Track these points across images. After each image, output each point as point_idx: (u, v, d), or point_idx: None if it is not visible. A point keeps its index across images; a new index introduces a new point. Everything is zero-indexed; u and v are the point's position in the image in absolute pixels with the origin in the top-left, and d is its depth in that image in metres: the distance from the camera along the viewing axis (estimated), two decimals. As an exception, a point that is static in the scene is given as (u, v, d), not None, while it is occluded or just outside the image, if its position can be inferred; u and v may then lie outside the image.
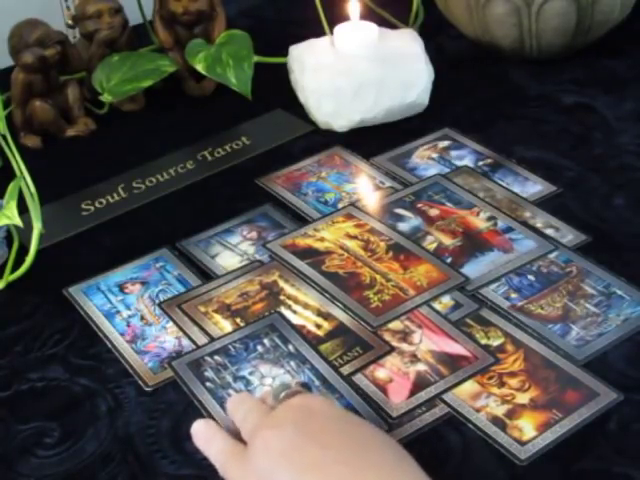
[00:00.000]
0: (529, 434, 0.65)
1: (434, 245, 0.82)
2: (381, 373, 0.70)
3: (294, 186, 0.92)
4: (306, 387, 0.68)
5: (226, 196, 0.92)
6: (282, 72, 1.04)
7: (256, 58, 1.05)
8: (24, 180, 0.82)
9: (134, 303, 0.79)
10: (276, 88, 1.04)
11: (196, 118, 1.06)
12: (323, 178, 0.93)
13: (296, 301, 0.77)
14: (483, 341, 0.72)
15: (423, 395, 0.68)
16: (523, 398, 0.67)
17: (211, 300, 0.78)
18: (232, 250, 0.84)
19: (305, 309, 0.77)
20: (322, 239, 0.84)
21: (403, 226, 0.85)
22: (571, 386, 0.68)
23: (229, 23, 1.08)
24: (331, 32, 1.01)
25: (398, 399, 0.68)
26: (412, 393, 0.68)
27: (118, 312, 0.79)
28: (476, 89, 1.05)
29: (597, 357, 0.70)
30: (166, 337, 0.76)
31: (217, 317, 0.77)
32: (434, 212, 0.86)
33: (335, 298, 0.77)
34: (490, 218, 0.85)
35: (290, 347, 0.73)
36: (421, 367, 0.70)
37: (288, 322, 0.75)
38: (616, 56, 1.08)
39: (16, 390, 0.73)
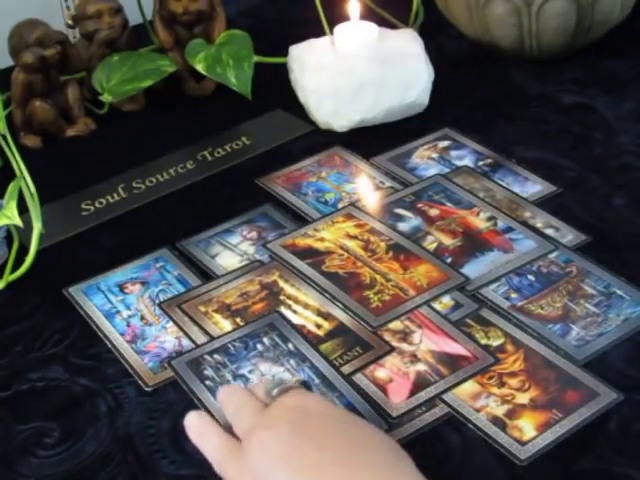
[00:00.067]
0: (529, 434, 0.65)
1: (434, 245, 0.82)
2: (381, 373, 0.70)
3: (294, 186, 0.92)
4: (306, 385, 0.68)
5: (226, 196, 0.92)
6: (282, 72, 1.04)
7: (256, 58, 1.05)
8: (24, 180, 0.82)
9: (134, 303, 0.79)
10: (276, 88, 1.04)
11: (196, 118, 1.06)
12: (323, 178, 0.93)
13: (296, 301, 0.77)
14: (483, 341, 0.72)
15: (423, 395, 0.68)
16: (523, 398, 0.67)
17: (211, 300, 0.78)
18: (232, 250, 0.84)
19: (305, 309, 0.77)
20: (322, 239, 0.84)
21: (403, 226, 0.85)
22: (571, 386, 0.68)
23: (229, 23, 1.08)
24: (331, 32, 1.01)
25: (398, 399, 0.68)
26: (412, 393, 0.68)
27: (118, 312, 0.79)
28: (476, 89, 1.05)
29: (597, 357, 0.70)
30: (166, 337, 0.76)
31: (217, 317, 0.77)
32: (434, 212, 0.86)
33: (335, 298, 0.77)
34: (490, 218, 0.85)
35: (290, 346, 0.73)
36: (421, 367, 0.70)
37: (288, 321, 0.75)
38: (616, 56, 1.08)
39: (16, 390, 0.73)
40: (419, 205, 0.87)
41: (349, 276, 0.79)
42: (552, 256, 0.80)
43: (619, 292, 0.75)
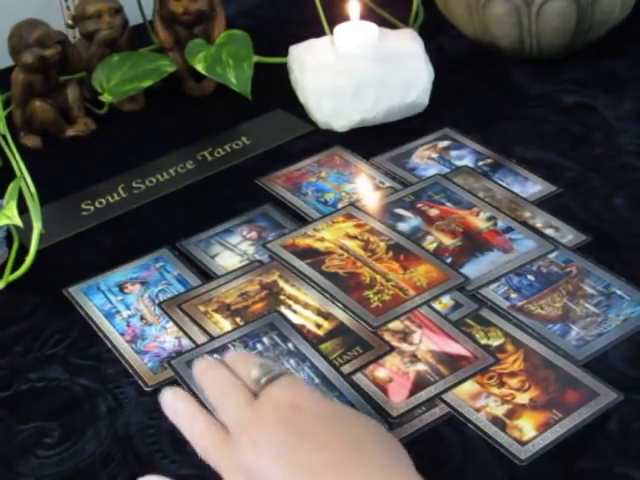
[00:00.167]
0: (529, 434, 0.65)
1: (434, 245, 0.82)
2: (381, 373, 0.70)
3: (294, 186, 0.92)
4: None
5: (226, 196, 0.92)
6: (282, 72, 1.04)
7: (256, 58, 1.05)
8: (24, 180, 0.82)
9: (134, 303, 0.79)
10: (276, 88, 1.04)
11: (196, 118, 1.06)
12: (323, 178, 0.93)
13: (296, 301, 0.77)
14: (483, 341, 0.72)
15: (423, 395, 0.68)
16: (523, 398, 0.67)
17: (211, 300, 0.78)
18: (232, 250, 0.84)
19: (305, 309, 0.77)
20: (322, 239, 0.84)
21: (403, 226, 0.85)
22: (571, 386, 0.68)
23: (229, 23, 1.08)
24: (331, 32, 1.01)
25: (398, 399, 0.68)
26: (412, 393, 0.68)
27: (118, 312, 0.79)
28: (476, 89, 1.05)
29: (597, 357, 0.70)
30: (166, 337, 0.76)
31: (217, 317, 0.77)
32: (434, 212, 0.86)
33: (335, 298, 0.77)
34: (490, 218, 0.85)
35: (290, 345, 0.73)
36: (421, 367, 0.70)
37: (288, 321, 0.75)
38: (616, 56, 1.08)
39: (16, 390, 0.73)
40: (419, 205, 0.87)
41: (349, 276, 0.79)
42: (552, 256, 0.80)
43: (619, 292, 0.75)
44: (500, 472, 0.63)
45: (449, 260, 0.80)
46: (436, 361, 0.71)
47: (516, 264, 0.79)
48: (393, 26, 1.11)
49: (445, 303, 0.76)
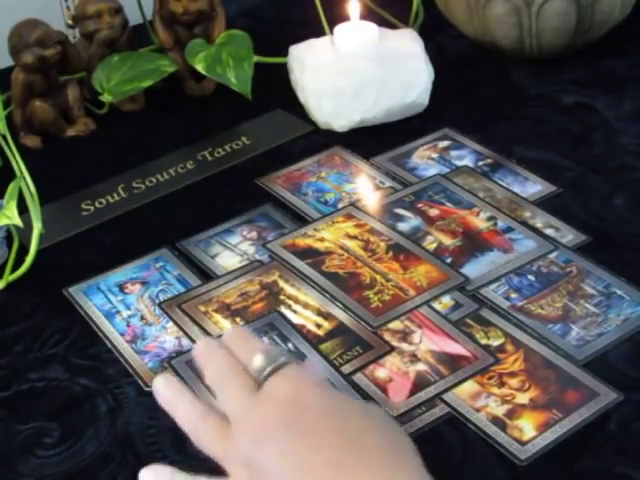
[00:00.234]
0: (529, 434, 0.65)
1: (434, 245, 0.82)
2: (381, 373, 0.70)
3: (294, 186, 0.92)
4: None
5: (226, 196, 0.92)
6: (282, 72, 1.04)
7: (256, 58, 1.05)
8: (24, 180, 0.82)
9: (134, 303, 0.79)
10: (276, 88, 1.04)
11: (196, 118, 1.06)
12: (323, 178, 0.93)
13: (296, 301, 0.77)
14: (483, 341, 0.72)
15: (423, 395, 0.68)
16: (523, 398, 0.67)
17: (211, 300, 0.78)
18: (232, 250, 0.84)
19: (305, 309, 0.77)
20: (322, 239, 0.84)
21: (403, 226, 0.85)
22: (571, 386, 0.68)
23: (229, 23, 1.08)
24: (331, 32, 1.01)
25: (398, 399, 0.68)
26: (412, 393, 0.68)
27: (118, 312, 0.79)
28: (476, 89, 1.05)
29: (597, 357, 0.70)
30: (166, 337, 0.76)
31: (217, 317, 0.77)
32: (434, 212, 0.86)
33: (335, 298, 0.77)
34: (490, 218, 0.85)
35: (290, 345, 0.73)
36: (421, 367, 0.70)
37: (288, 321, 0.75)
38: (616, 56, 1.08)
39: (16, 390, 0.73)
40: (419, 205, 0.87)
41: (349, 276, 0.79)
42: (552, 256, 0.80)
43: (619, 292, 0.75)
44: (500, 472, 0.63)
45: (449, 260, 0.80)
46: (436, 361, 0.71)
47: (516, 264, 0.79)
48: (393, 26, 1.11)
49: (445, 303, 0.76)
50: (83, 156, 1.01)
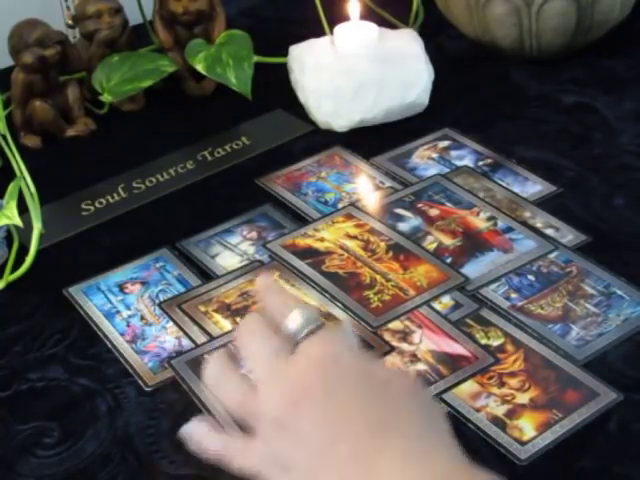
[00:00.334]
0: (529, 434, 0.65)
1: (434, 245, 0.82)
2: (381, 373, 0.70)
3: (294, 186, 0.92)
4: None
5: (226, 196, 0.92)
6: (282, 72, 1.04)
7: (256, 58, 1.05)
8: (24, 180, 0.82)
9: (134, 303, 0.79)
10: (276, 88, 1.04)
11: (196, 118, 1.06)
12: (323, 178, 0.93)
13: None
14: (483, 341, 0.72)
15: (423, 395, 0.68)
16: (523, 398, 0.67)
17: (211, 300, 0.78)
18: (232, 250, 0.84)
19: (305, 309, 0.76)
20: (322, 239, 0.84)
21: (403, 226, 0.85)
22: (571, 386, 0.68)
23: (229, 23, 1.08)
24: (331, 32, 1.01)
25: (398, 399, 0.68)
26: (412, 393, 0.68)
27: (118, 312, 0.79)
28: (476, 89, 1.05)
29: (597, 357, 0.70)
30: (166, 337, 0.76)
31: (217, 317, 0.77)
32: (434, 212, 0.86)
33: (335, 298, 0.77)
34: (490, 218, 0.85)
35: (290, 347, 0.73)
36: (421, 367, 0.70)
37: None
38: (616, 56, 1.08)
39: (16, 390, 0.73)
40: (419, 205, 0.87)
41: (349, 276, 0.79)
42: (552, 256, 0.80)
43: (619, 292, 0.75)
44: (500, 472, 0.63)
45: (449, 260, 0.80)
46: (436, 361, 0.71)
47: (516, 264, 0.79)
48: (393, 26, 1.11)
49: (445, 303, 0.76)
50: (83, 156, 1.01)
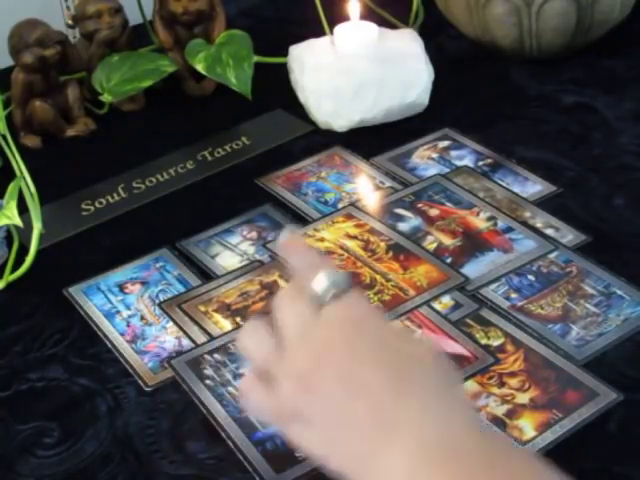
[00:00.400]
0: (529, 434, 0.65)
1: (434, 245, 0.82)
2: (381, 373, 0.70)
3: (294, 186, 0.92)
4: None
5: (226, 196, 0.92)
6: (282, 72, 1.04)
7: (256, 58, 1.05)
8: (24, 180, 0.82)
9: (134, 303, 0.79)
10: (276, 88, 1.04)
11: (196, 118, 1.06)
12: (323, 178, 0.93)
13: (296, 301, 0.77)
14: (483, 341, 0.72)
15: (423, 395, 0.68)
16: (523, 398, 0.67)
17: (211, 300, 0.78)
18: (232, 250, 0.84)
19: (305, 309, 0.76)
20: (322, 239, 0.84)
21: (403, 226, 0.85)
22: (571, 386, 0.68)
23: (229, 23, 1.08)
24: (331, 32, 1.01)
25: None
26: (412, 393, 0.68)
27: (118, 312, 0.79)
28: (476, 89, 1.05)
29: (597, 357, 0.70)
30: (166, 337, 0.76)
31: (217, 317, 0.77)
32: (434, 212, 0.86)
33: (335, 298, 0.77)
34: (490, 218, 0.85)
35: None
36: (421, 367, 0.70)
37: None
38: (616, 56, 1.08)
39: (16, 390, 0.73)
40: (419, 205, 0.87)
41: (349, 276, 0.79)
42: (552, 256, 0.80)
43: (619, 292, 0.75)
44: (500, 472, 0.63)
45: (449, 260, 0.80)
46: (436, 361, 0.71)
47: (516, 264, 0.79)
48: (393, 26, 1.11)
49: (445, 303, 0.76)
50: (83, 156, 1.01)
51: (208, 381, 0.70)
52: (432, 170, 0.92)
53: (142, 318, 0.78)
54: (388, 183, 0.91)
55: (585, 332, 0.72)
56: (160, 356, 0.74)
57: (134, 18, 1.11)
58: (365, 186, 0.91)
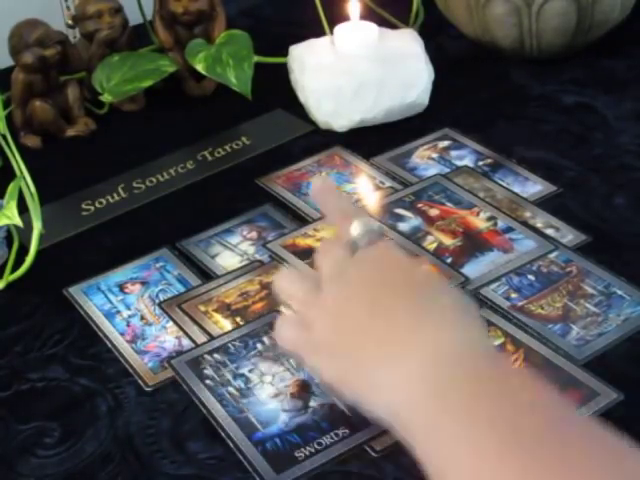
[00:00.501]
0: (529, 434, 0.65)
1: (434, 245, 0.82)
2: (381, 373, 0.70)
3: (294, 186, 0.92)
4: (306, 384, 0.68)
5: (226, 196, 0.92)
6: (282, 72, 1.04)
7: (256, 58, 1.05)
8: (24, 180, 0.82)
9: (134, 303, 0.79)
10: (276, 88, 1.04)
11: (196, 118, 1.06)
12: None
13: (296, 301, 0.77)
14: (483, 341, 0.72)
15: (423, 395, 0.68)
16: (523, 398, 0.67)
17: (211, 300, 0.78)
18: (232, 250, 0.84)
19: (305, 309, 0.76)
20: (322, 239, 0.84)
21: (403, 226, 0.85)
22: (571, 386, 0.68)
23: (229, 23, 1.08)
24: (331, 32, 1.01)
25: (398, 399, 0.68)
26: (412, 393, 0.68)
27: (118, 312, 0.79)
28: (476, 89, 1.05)
29: (597, 357, 0.70)
30: (166, 337, 0.76)
31: (217, 316, 0.77)
32: (434, 212, 0.86)
33: (335, 298, 0.77)
34: (490, 218, 0.85)
35: (290, 347, 0.73)
36: (421, 367, 0.70)
37: (288, 322, 0.75)
38: (616, 56, 1.08)
39: (16, 390, 0.73)
40: (419, 205, 0.87)
41: (349, 276, 0.79)
42: (552, 256, 0.80)
43: (619, 292, 0.75)
44: (500, 472, 0.63)
45: (449, 260, 0.80)
46: (436, 361, 0.71)
47: (516, 264, 0.79)
48: (393, 26, 1.11)
49: (445, 303, 0.76)
50: (83, 156, 1.01)
51: (208, 381, 0.70)
52: (432, 170, 0.92)
53: (142, 318, 0.78)
54: (388, 183, 0.91)
55: (585, 332, 0.72)
56: (160, 356, 0.74)
57: (134, 18, 1.11)
58: (365, 186, 0.91)
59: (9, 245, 0.86)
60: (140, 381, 0.72)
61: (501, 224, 0.84)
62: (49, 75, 1.01)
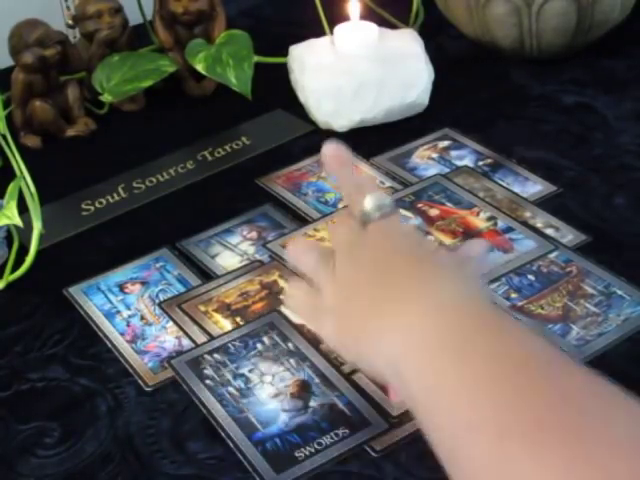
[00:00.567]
0: (529, 434, 0.65)
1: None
2: (381, 373, 0.70)
3: (294, 186, 0.92)
4: (306, 384, 0.68)
5: (226, 196, 0.92)
6: (282, 72, 1.04)
7: (256, 58, 1.05)
8: (24, 180, 0.82)
9: (134, 303, 0.79)
10: (276, 88, 1.04)
11: (196, 118, 1.06)
12: (323, 178, 0.93)
13: (296, 301, 0.77)
14: (483, 341, 0.72)
15: (423, 395, 0.68)
16: (523, 398, 0.67)
17: (211, 300, 0.78)
18: (232, 250, 0.84)
19: (305, 309, 0.76)
20: (322, 239, 0.84)
21: (403, 226, 0.85)
22: (571, 386, 0.68)
23: (229, 23, 1.08)
24: (331, 32, 1.01)
25: (398, 398, 0.68)
26: (412, 393, 0.68)
27: (118, 312, 0.79)
28: (476, 89, 1.05)
29: (597, 357, 0.70)
30: (166, 337, 0.76)
31: (217, 316, 0.77)
32: (434, 212, 0.86)
33: (335, 298, 0.77)
34: (490, 218, 0.85)
35: (290, 345, 0.73)
36: (421, 367, 0.70)
37: (288, 320, 0.75)
38: (616, 56, 1.08)
39: (16, 390, 0.73)
40: (419, 205, 0.87)
41: (349, 276, 0.79)
42: (552, 256, 0.80)
43: (619, 292, 0.75)
44: (500, 472, 0.63)
45: (449, 260, 0.80)
46: (436, 361, 0.71)
47: (516, 264, 0.79)
48: (393, 26, 1.11)
49: (445, 303, 0.76)
50: (83, 156, 1.01)
51: (208, 381, 0.70)
52: (432, 170, 0.92)
53: (142, 318, 0.78)
54: (388, 183, 0.91)
55: (585, 332, 0.72)
56: (160, 356, 0.74)
57: (134, 18, 1.11)
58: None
59: (9, 245, 0.86)
60: (140, 381, 0.72)
61: (501, 224, 0.84)
62: (49, 75, 1.01)
